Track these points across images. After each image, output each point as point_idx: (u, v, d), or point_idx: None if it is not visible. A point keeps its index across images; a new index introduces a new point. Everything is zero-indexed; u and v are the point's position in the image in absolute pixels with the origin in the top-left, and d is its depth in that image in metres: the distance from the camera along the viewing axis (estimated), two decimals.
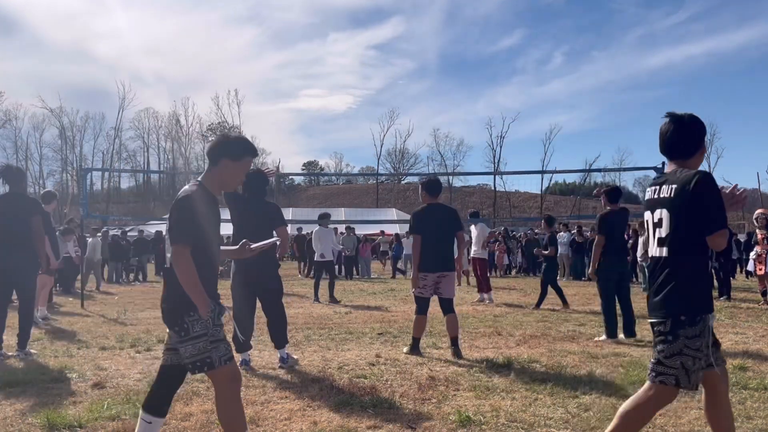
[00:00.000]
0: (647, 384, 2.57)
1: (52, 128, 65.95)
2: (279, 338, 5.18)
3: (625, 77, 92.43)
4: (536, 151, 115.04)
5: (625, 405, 2.59)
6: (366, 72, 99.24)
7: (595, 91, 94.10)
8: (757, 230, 10.56)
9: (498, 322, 7.90)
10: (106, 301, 11.35)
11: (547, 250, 9.88)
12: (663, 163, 10.58)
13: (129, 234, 20.34)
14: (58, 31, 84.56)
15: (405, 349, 5.76)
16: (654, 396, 2.54)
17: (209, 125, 72.67)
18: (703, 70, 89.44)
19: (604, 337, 6.48)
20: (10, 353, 5.57)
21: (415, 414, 3.72)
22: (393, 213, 42.65)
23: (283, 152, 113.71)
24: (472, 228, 11.41)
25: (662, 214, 2.59)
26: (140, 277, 17.78)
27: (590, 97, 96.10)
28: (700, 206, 2.47)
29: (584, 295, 11.97)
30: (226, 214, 4.81)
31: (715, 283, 11.83)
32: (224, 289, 11.87)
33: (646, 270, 12.99)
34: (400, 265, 19.78)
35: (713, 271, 11.69)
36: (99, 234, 16.27)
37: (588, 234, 17.85)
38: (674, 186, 2.54)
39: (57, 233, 10.60)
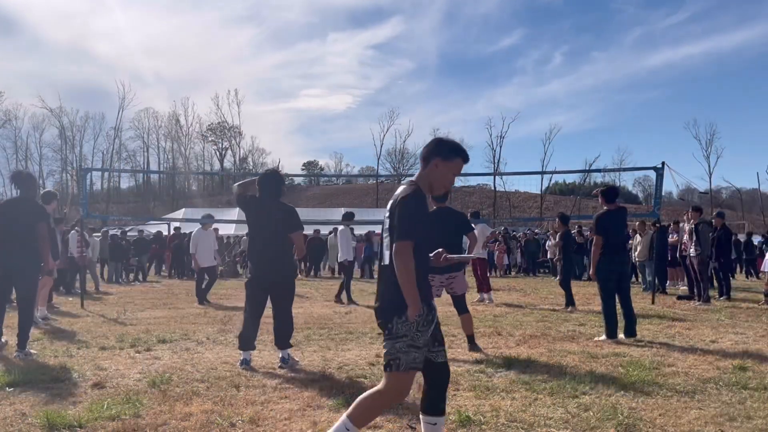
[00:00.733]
0: None
1: (52, 128, 65.96)
2: (283, 340, 5.20)
3: (625, 77, 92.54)
4: (536, 151, 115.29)
5: None
6: (365, 72, 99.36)
7: (595, 91, 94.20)
8: None
9: (498, 322, 7.90)
10: (106, 301, 11.35)
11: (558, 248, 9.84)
12: (663, 163, 10.58)
13: (129, 234, 20.33)
14: (57, 30, 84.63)
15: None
16: None
17: (209, 125, 72.70)
18: (702, 71, 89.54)
19: (603, 337, 6.48)
20: (13, 354, 5.57)
21: (415, 414, 3.71)
22: None
23: (282, 152, 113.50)
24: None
25: None
26: (140, 277, 17.78)
27: (590, 97, 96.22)
28: None
29: (584, 295, 11.97)
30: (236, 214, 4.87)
31: (715, 283, 11.84)
32: (224, 289, 11.83)
33: (646, 269, 13.06)
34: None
35: (713, 271, 11.70)
36: (97, 234, 16.27)
37: (588, 234, 17.84)
38: None
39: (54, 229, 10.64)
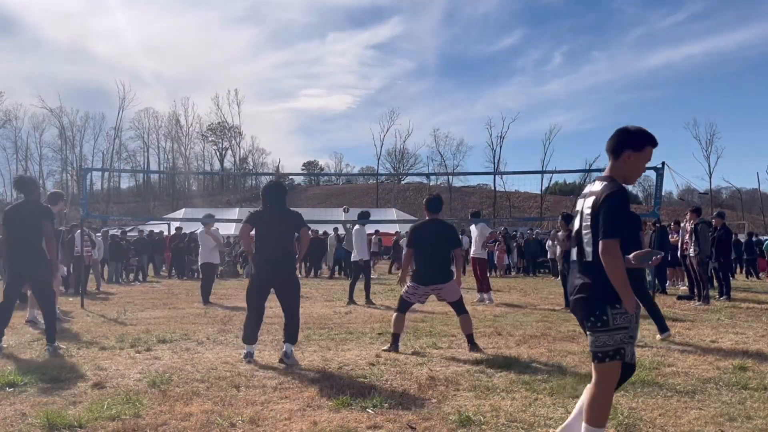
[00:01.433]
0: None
1: (52, 128, 65.93)
2: (291, 333, 5.33)
3: (625, 77, 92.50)
4: (536, 151, 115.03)
5: None
6: (365, 72, 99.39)
7: (595, 91, 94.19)
8: None
9: (498, 322, 7.90)
10: (107, 301, 11.35)
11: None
12: (663, 163, 10.58)
13: (129, 234, 20.33)
14: (57, 30, 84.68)
15: (385, 347, 5.89)
16: None
17: (209, 125, 72.71)
18: (702, 70, 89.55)
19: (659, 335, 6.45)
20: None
21: (415, 414, 3.72)
22: (393, 213, 42.68)
23: (282, 152, 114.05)
24: (473, 228, 11.41)
25: None
26: (140, 277, 17.78)
27: (590, 97, 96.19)
28: None
29: None
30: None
31: (715, 283, 11.84)
32: (224, 289, 11.81)
33: (646, 269, 13.05)
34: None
35: (713, 271, 11.70)
36: (98, 234, 16.27)
37: None
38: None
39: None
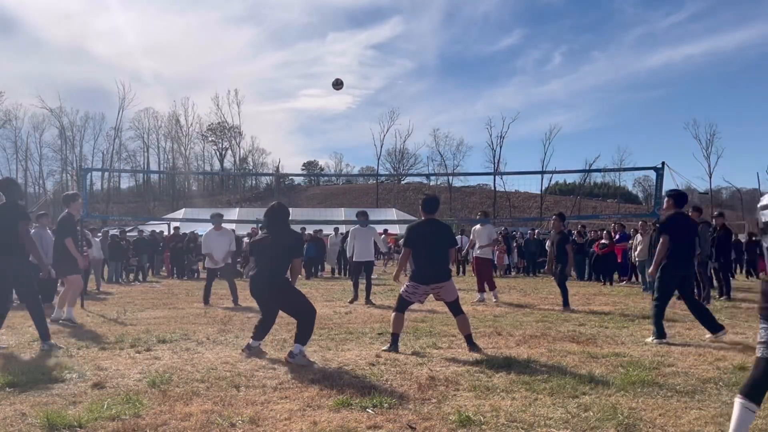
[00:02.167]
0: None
1: (52, 128, 65.99)
2: (297, 334, 5.39)
3: (625, 77, 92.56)
4: (536, 151, 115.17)
5: None
6: (365, 72, 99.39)
7: (595, 91, 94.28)
8: None
9: (498, 322, 7.90)
10: (107, 301, 11.35)
11: (561, 248, 9.63)
12: (663, 163, 10.58)
13: (129, 234, 20.33)
14: (56, 30, 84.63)
15: (384, 347, 5.89)
16: None
17: (209, 125, 72.72)
18: (702, 70, 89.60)
19: (651, 338, 6.42)
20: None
21: (415, 414, 3.72)
22: (393, 213, 42.63)
23: (282, 152, 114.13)
24: (479, 228, 11.37)
25: None
26: (140, 277, 17.78)
27: (590, 97, 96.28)
28: None
29: (584, 295, 11.98)
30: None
31: (715, 283, 11.84)
32: (224, 289, 11.70)
33: (646, 269, 13.05)
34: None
35: (713, 271, 11.69)
36: (99, 234, 16.28)
37: (589, 234, 17.85)
38: None
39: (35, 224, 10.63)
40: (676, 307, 9.96)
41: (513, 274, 20.89)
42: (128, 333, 6.94)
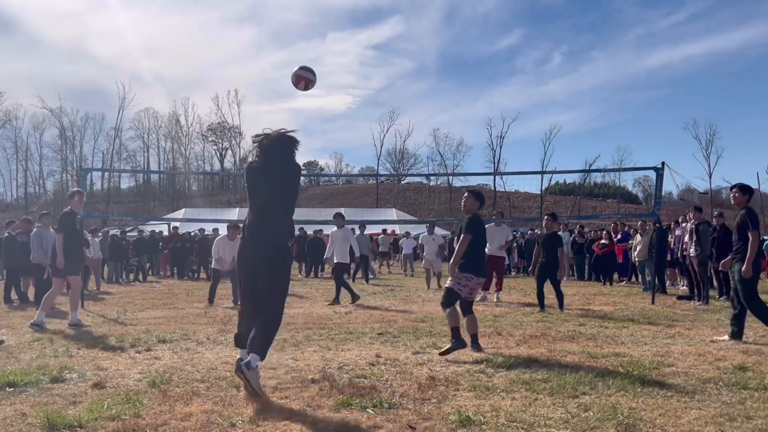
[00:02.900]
0: None
1: (52, 128, 66.06)
2: (261, 340, 4.19)
3: (625, 77, 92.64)
4: (536, 151, 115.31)
5: None
6: (365, 72, 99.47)
7: (595, 91, 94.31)
8: None
9: (498, 322, 7.90)
10: (107, 301, 11.35)
11: (552, 250, 9.37)
12: (663, 163, 10.58)
13: (129, 234, 20.32)
14: (57, 30, 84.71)
15: (449, 345, 5.60)
16: None
17: (209, 125, 72.73)
18: (702, 70, 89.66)
19: (726, 337, 6.36)
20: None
21: (415, 414, 3.72)
22: (393, 213, 42.67)
23: None
24: (493, 226, 11.34)
25: None
26: (140, 277, 17.78)
27: (590, 97, 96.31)
28: None
29: (584, 295, 11.98)
30: None
31: (715, 283, 11.83)
32: (224, 289, 11.67)
33: (646, 269, 13.06)
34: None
35: (713, 271, 11.68)
36: (99, 234, 16.28)
37: (589, 234, 17.85)
38: None
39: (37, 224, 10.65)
40: (676, 306, 9.97)
41: (513, 274, 20.88)
42: (128, 333, 6.94)
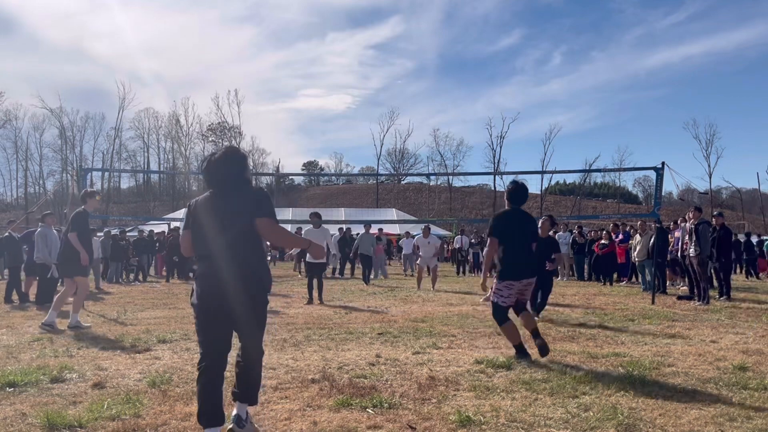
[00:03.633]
0: None
1: (52, 128, 66.05)
2: (247, 387, 3.47)
3: (625, 77, 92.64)
4: (536, 151, 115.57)
5: None
6: (365, 72, 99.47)
7: (595, 91, 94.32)
8: None
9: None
10: (107, 301, 11.35)
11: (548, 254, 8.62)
12: (663, 163, 10.58)
13: (129, 234, 20.31)
14: (56, 30, 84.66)
15: (520, 365, 5.06)
16: None
17: (209, 125, 72.66)
18: (702, 70, 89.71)
19: None
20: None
21: (415, 414, 3.72)
22: (393, 213, 42.66)
23: (282, 152, 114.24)
24: None
25: None
26: (140, 277, 17.77)
27: (590, 97, 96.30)
28: None
29: (584, 295, 11.98)
30: None
31: (715, 283, 11.84)
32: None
33: (646, 269, 13.06)
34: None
35: (713, 271, 11.69)
36: (99, 234, 16.29)
37: (589, 234, 17.84)
38: None
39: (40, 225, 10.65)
40: (676, 306, 9.97)
41: None
42: (128, 333, 6.94)
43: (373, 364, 5.17)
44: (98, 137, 67.80)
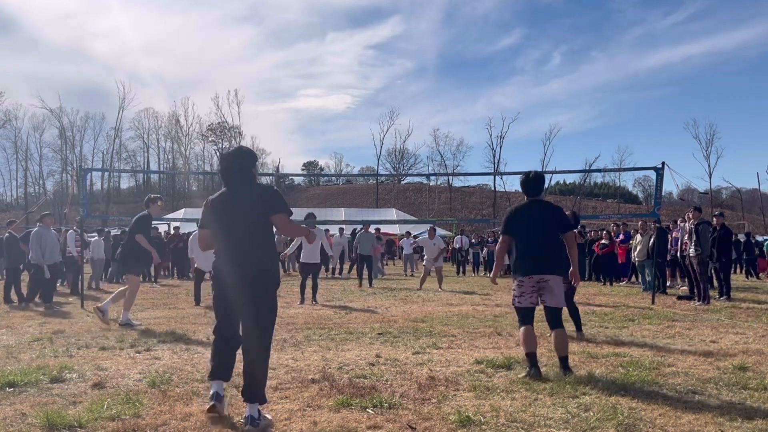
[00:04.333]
0: None
1: (52, 128, 66.03)
2: (254, 385, 3.62)
3: (625, 77, 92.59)
4: (536, 151, 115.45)
5: None
6: (365, 72, 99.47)
7: (595, 91, 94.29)
8: None
9: (498, 322, 7.89)
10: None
11: None
12: (663, 163, 10.58)
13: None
14: (56, 30, 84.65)
15: (522, 374, 4.70)
16: None
17: (209, 125, 72.64)
18: (702, 70, 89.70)
19: None
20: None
21: (415, 414, 3.71)
22: (393, 213, 42.67)
23: (282, 152, 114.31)
24: None
25: None
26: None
27: (590, 97, 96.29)
28: None
29: (584, 295, 11.97)
30: None
31: (715, 283, 11.83)
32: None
33: (645, 269, 13.06)
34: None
35: (713, 271, 11.69)
36: (92, 234, 16.31)
37: (589, 234, 17.83)
38: None
39: (38, 225, 10.65)
40: (676, 306, 9.97)
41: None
42: (128, 333, 6.94)
43: (373, 364, 5.17)
44: (98, 137, 67.85)
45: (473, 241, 22.60)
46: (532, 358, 4.73)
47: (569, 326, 5.91)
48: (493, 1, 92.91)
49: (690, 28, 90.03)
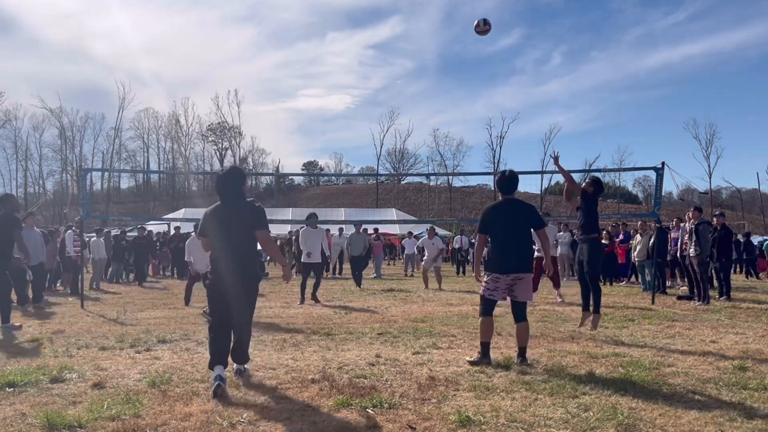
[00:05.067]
0: None
1: (52, 128, 66.06)
2: (242, 351, 4.71)
3: (625, 77, 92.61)
4: (536, 151, 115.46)
5: None
6: (365, 72, 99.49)
7: (595, 91, 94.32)
8: None
9: (498, 322, 7.87)
10: (106, 301, 11.35)
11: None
12: (663, 163, 10.58)
13: (129, 234, 20.31)
14: (56, 30, 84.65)
15: (473, 358, 5.17)
16: None
17: (209, 125, 72.73)
18: (702, 70, 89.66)
19: None
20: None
21: (415, 414, 3.71)
22: (393, 213, 42.68)
23: (282, 152, 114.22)
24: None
25: None
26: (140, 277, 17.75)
27: (590, 97, 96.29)
28: None
29: None
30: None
31: (715, 283, 11.83)
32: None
33: (645, 269, 13.06)
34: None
35: (713, 271, 11.69)
36: (91, 234, 16.31)
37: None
38: None
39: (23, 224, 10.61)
40: (676, 306, 9.97)
41: None
42: (128, 333, 6.94)
43: (373, 364, 5.17)
44: (98, 137, 67.92)
45: (473, 241, 22.56)
46: (486, 347, 5.19)
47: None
48: (493, 1, 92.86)
49: (690, 28, 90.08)
